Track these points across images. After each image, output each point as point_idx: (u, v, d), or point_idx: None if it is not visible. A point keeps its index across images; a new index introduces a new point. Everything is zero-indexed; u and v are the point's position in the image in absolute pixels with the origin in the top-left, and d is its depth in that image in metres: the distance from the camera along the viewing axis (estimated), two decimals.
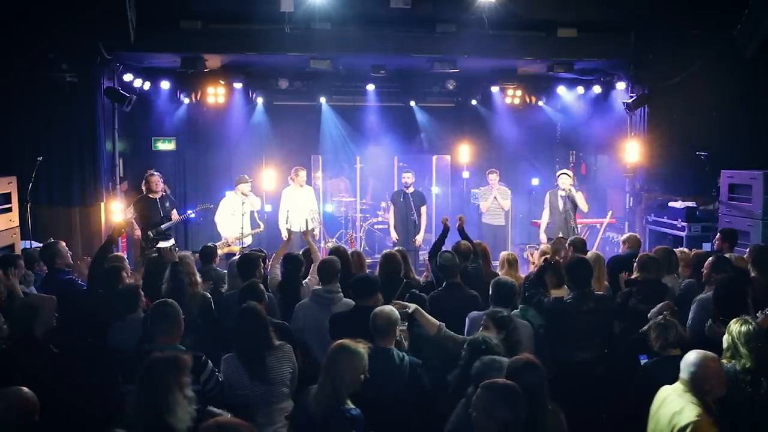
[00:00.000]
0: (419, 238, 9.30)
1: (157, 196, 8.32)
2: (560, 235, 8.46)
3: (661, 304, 4.34)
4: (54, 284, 5.34)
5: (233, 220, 8.67)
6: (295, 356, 3.92)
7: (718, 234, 6.35)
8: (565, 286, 4.94)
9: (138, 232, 8.31)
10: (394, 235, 9.34)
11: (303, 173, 9.52)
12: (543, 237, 8.87)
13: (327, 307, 4.64)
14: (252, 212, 8.95)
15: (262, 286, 4.59)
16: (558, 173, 9.34)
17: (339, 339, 4.28)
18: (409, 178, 9.39)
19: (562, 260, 5.33)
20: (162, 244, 8.15)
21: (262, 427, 3.57)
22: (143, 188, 8.48)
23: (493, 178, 9.90)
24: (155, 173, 8.50)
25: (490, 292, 4.54)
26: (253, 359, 3.70)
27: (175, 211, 8.53)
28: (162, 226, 8.25)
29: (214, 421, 2.52)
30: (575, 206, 8.84)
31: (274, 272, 5.44)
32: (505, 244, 9.72)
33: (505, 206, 9.82)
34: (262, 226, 8.94)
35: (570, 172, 9.19)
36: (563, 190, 8.79)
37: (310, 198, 9.59)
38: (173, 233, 8.72)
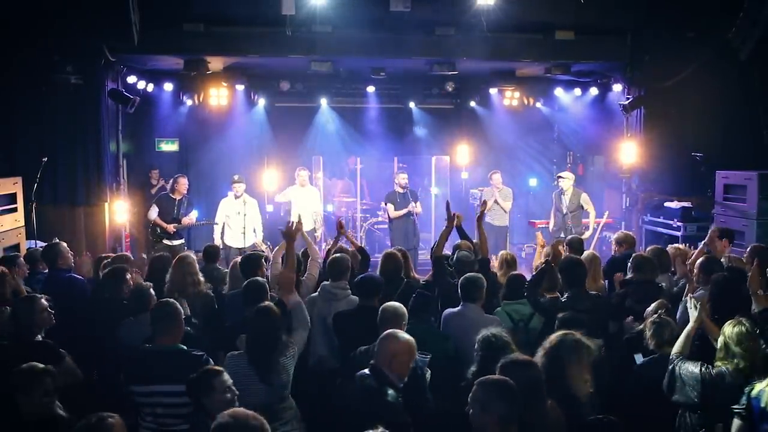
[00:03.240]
0: (419, 207, 9.47)
1: (179, 197, 8.59)
2: (561, 235, 8.65)
3: (656, 303, 4.38)
4: (56, 283, 5.41)
5: (232, 221, 8.80)
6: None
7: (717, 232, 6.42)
8: (557, 291, 5.00)
9: (171, 228, 8.55)
10: (414, 208, 9.36)
11: (303, 173, 9.64)
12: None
13: (334, 303, 4.71)
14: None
15: (266, 284, 4.62)
16: (557, 175, 9.53)
17: (342, 337, 4.42)
18: (404, 179, 9.48)
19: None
20: (166, 242, 8.43)
21: None
22: (167, 187, 8.88)
23: (497, 178, 9.96)
24: (182, 175, 8.80)
25: (460, 288, 4.62)
26: (264, 361, 3.69)
27: (192, 214, 8.74)
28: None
29: (231, 412, 2.59)
30: (580, 207, 9.02)
31: (275, 268, 5.50)
32: (506, 245, 9.80)
33: (506, 207, 9.92)
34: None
35: (566, 175, 9.34)
36: (564, 191, 9.03)
37: (312, 199, 9.69)
38: (182, 235, 8.88)
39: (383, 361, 3.40)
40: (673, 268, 5.83)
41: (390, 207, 9.46)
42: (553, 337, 3.34)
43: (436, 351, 4.02)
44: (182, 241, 8.77)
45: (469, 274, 4.76)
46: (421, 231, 9.93)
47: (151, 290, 4.63)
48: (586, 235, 8.65)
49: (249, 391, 3.63)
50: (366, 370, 3.44)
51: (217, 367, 3.33)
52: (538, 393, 3.03)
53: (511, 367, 3.08)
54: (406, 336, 3.50)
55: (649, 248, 5.96)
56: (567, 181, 9.19)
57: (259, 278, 4.74)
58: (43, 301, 4.08)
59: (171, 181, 8.85)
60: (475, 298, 4.56)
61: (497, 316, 4.82)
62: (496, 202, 9.80)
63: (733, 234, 6.51)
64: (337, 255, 5.07)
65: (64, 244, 5.80)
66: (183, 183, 8.68)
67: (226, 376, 3.23)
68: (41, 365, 3.15)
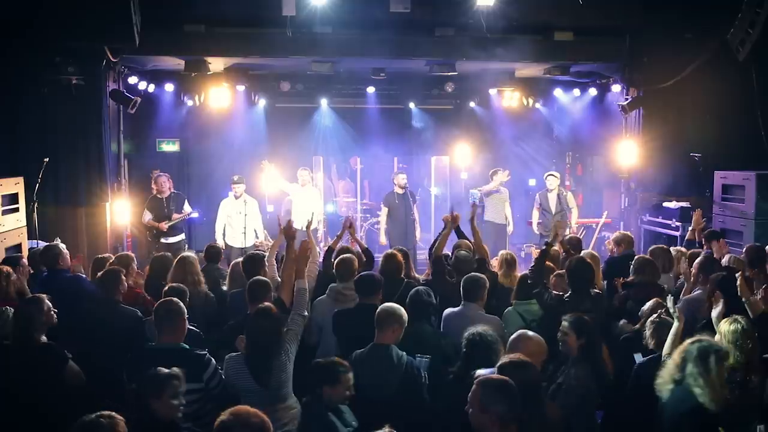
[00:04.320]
0: (418, 235, 9.44)
1: (164, 195, 8.68)
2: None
3: (651, 302, 4.41)
4: (59, 283, 5.40)
5: (233, 221, 8.83)
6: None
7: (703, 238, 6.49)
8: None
9: (162, 225, 8.62)
10: (383, 239, 9.49)
11: (303, 174, 9.65)
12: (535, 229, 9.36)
13: (344, 305, 4.71)
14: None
15: (269, 282, 4.64)
16: (545, 175, 9.60)
17: (342, 335, 4.45)
18: (403, 179, 9.52)
19: (560, 252, 5.49)
20: (164, 241, 8.56)
21: None
22: (153, 188, 8.87)
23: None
24: (162, 174, 8.84)
25: (461, 288, 4.65)
26: (261, 363, 3.68)
27: (186, 208, 8.82)
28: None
29: (234, 410, 2.62)
30: (566, 206, 9.13)
31: (271, 270, 5.46)
32: (505, 243, 9.85)
33: (508, 214, 10.02)
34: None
35: (557, 173, 9.43)
36: (551, 190, 9.11)
37: (313, 199, 9.71)
38: (181, 230, 8.92)
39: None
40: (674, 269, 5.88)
41: (384, 210, 9.53)
42: (685, 344, 3.34)
43: (433, 351, 4.07)
44: (181, 237, 8.83)
45: (471, 273, 4.78)
46: (420, 231, 9.97)
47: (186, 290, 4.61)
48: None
49: (246, 393, 3.65)
50: (491, 369, 3.43)
51: (346, 363, 3.43)
52: (535, 393, 3.07)
53: (509, 368, 3.10)
54: (537, 335, 3.60)
55: (651, 248, 6.00)
56: (556, 180, 9.29)
57: (262, 277, 4.74)
58: (47, 301, 4.09)
59: (152, 181, 8.95)
60: (476, 298, 4.59)
61: (508, 316, 4.86)
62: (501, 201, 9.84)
63: (718, 234, 6.55)
64: (345, 255, 5.08)
65: (63, 245, 5.83)
66: (161, 181, 8.77)
67: (352, 374, 3.39)
68: (166, 370, 3.21)
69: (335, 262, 5.13)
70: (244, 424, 2.56)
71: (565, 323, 3.90)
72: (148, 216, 8.71)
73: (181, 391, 3.17)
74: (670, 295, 4.06)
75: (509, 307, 4.94)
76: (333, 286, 4.89)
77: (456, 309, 4.65)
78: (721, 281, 4.45)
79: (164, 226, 8.60)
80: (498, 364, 3.20)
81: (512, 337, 3.62)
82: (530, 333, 3.64)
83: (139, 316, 4.67)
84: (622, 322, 4.69)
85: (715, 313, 4.03)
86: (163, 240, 8.63)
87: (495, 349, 3.59)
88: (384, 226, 9.54)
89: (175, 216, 8.69)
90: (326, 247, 6.35)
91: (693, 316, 4.22)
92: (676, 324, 3.80)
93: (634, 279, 5.14)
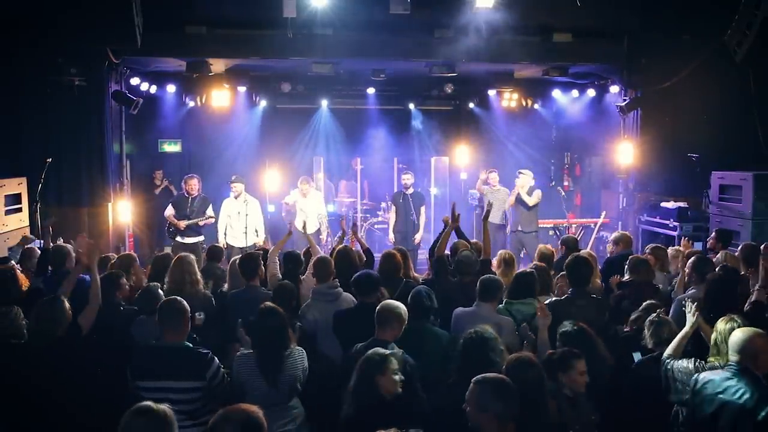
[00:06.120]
0: (418, 237, 9.49)
1: (192, 195, 8.85)
2: (519, 228, 9.07)
3: (645, 303, 4.45)
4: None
5: (233, 221, 8.90)
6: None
7: (713, 233, 6.54)
8: (551, 293, 5.09)
9: (180, 224, 8.76)
10: (392, 237, 9.53)
11: (304, 186, 9.54)
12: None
13: (331, 303, 4.73)
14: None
15: (258, 257, 4.84)
16: (519, 171, 9.60)
17: (343, 335, 4.48)
18: (408, 179, 9.58)
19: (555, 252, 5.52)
20: (179, 240, 8.71)
21: (269, 424, 3.66)
22: (171, 187, 9.46)
23: (494, 177, 10.02)
24: (193, 176, 9.02)
25: (477, 289, 4.66)
26: (270, 360, 3.72)
27: (210, 211, 8.95)
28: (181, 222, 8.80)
29: (225, 408, 2.65)
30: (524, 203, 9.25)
31: (273, 267, 5.52)
32: (505, 243, 9.91)
33: (508, 213, 10.08)
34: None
35: (526, 171, 9.46)
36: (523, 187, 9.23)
37: (316, 203, 9.72)
38: (200, 233, 8.99)
39: (746, 360, 3.23)
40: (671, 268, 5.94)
41: (393, 209, 9.61)
42: None
43: (432, 350, 4.10)
44: (198, 239, 8.88)
45: (489, 275, 4.82)
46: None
47: (160, 290, 4.67)
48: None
49: (255, 390, 3.69)
50: (726, 372, 3.30)
51: (578, 351, 3.56)
52: (539, 392, 3.09)
53: (514, 365, 3.14)
54: (761, 331, 3.35)
55: (648, 246, 6.05)
56: (524, 178, 9.33)
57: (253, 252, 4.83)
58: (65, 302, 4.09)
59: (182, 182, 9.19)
60: (491, 299, 4.60)
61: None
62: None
63: (728, 236, 6.60)
64: (321, 256, 5.15)
65: (70, 246, 5.88)
66: (190, 184, 8.90)
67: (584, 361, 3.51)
68: (384, 350, 3.39)
69: (312, 263, 5.16)
70: (227, 419, 2.59)
71: (559, 337, 3.92)
72: (170, 210, 8.86)
73: (399, 368, 3.30)
74: (687, 299, 4.05)
75: (500, 305, 4.89)
76: (315, 288, 4.88)
77: (469, 309, 4.64)
78: (717, 280, 4.49)
79: (182, 224, 8.74)
80: (507, 360, 3.23)
81: (738, 334, 3.32)
82: (756, 329, 3.35)
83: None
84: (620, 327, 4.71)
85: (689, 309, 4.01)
86: (178, 239, 8.77)
87: (494, 348, 3.58)
88: (392, 222, 9.59)
89: (196, 219, 8.82)
90: (331, 249, 6.37)
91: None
92: (687, 327, 3.83)
93: (629, 279, 5.19)
